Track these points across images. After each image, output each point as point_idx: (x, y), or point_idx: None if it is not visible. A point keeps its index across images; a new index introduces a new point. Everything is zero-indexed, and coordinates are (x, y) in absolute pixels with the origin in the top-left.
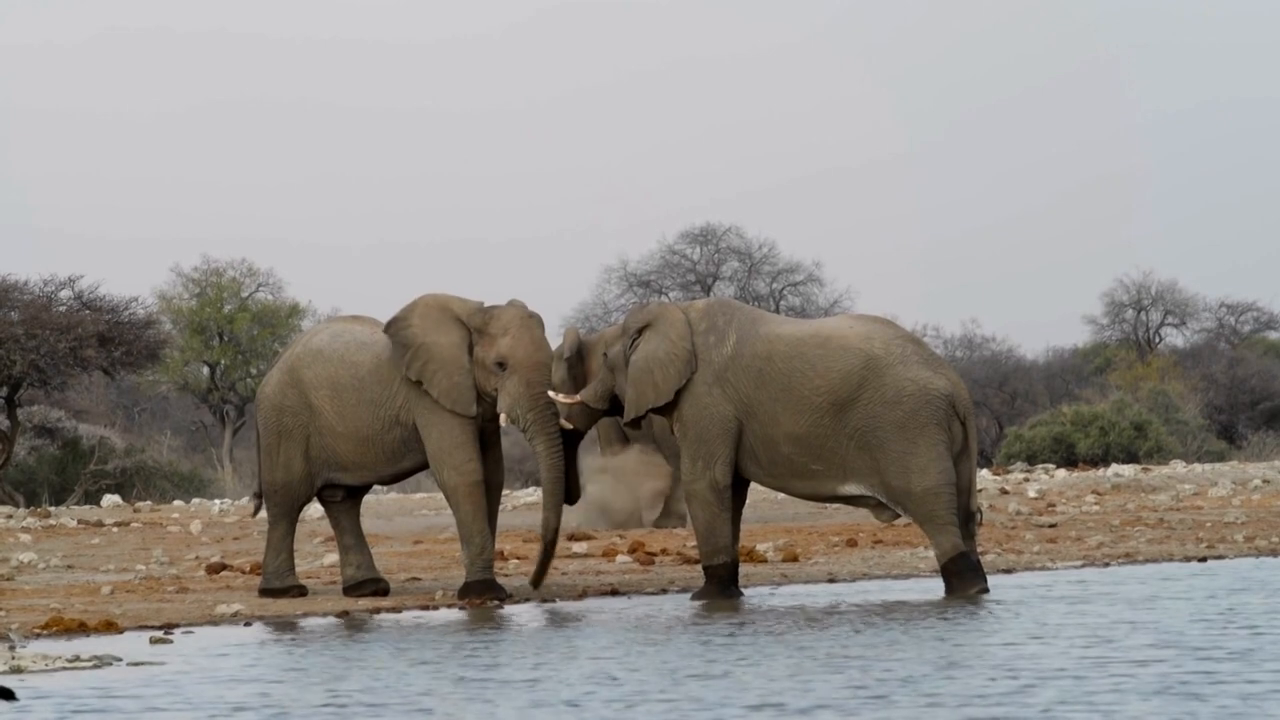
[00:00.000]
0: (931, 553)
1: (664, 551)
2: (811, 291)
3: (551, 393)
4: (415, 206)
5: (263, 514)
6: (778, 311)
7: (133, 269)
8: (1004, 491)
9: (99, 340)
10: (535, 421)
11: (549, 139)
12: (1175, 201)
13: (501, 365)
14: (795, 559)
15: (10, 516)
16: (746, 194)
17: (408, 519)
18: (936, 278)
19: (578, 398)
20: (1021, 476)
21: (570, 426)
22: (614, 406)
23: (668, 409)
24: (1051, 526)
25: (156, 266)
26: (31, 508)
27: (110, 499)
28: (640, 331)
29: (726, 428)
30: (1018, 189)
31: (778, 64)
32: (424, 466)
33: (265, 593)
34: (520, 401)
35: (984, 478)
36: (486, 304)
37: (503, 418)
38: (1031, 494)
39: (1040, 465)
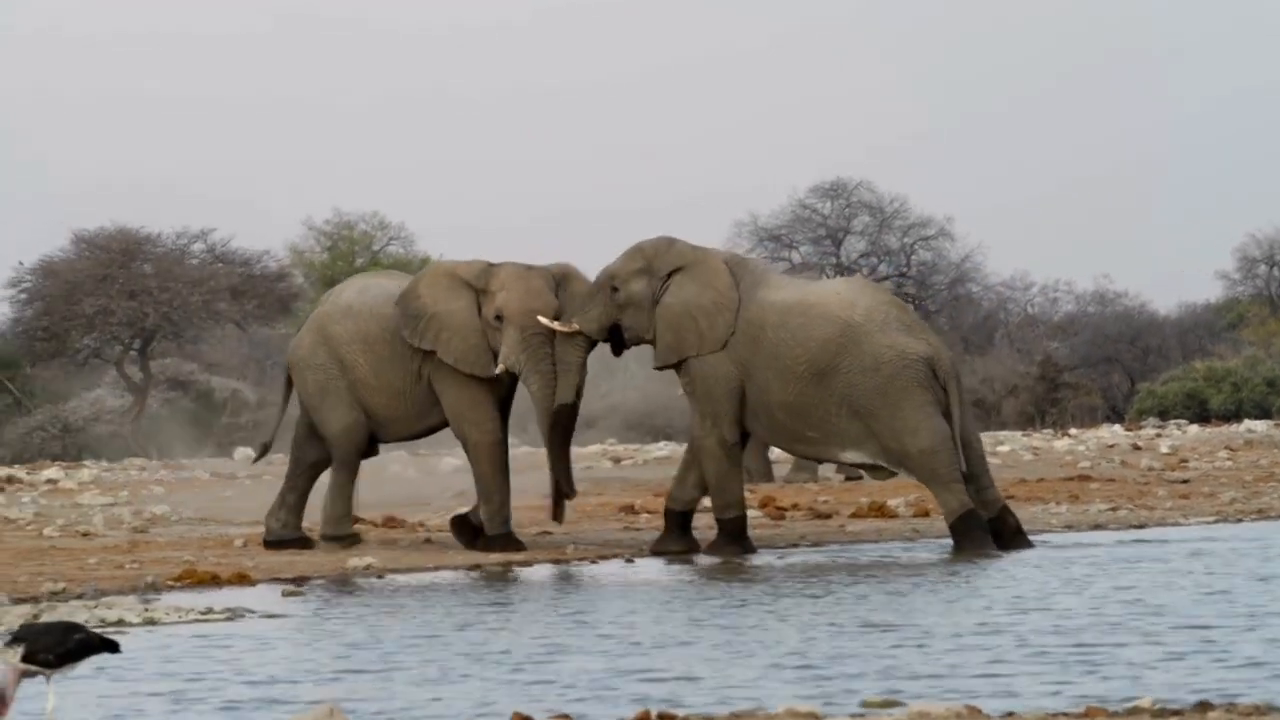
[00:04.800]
0: (1063, 509)
1: (795, 506)
2: (943, 246)
3: (544, 319)
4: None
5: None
6: (908, 266)
7: (266, 229)
8: (1136, 447)
9: (231, 293)
10: (528, 361)
11: (656, 111)
12: None
13: (500, 319)
14: (927, 514)
15: (143, 469)
16: (875, 149)
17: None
18: (1067, 233)
19: (575, 325)
20: (1154, 432)
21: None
22: (612, 340)
23: (677, 363)
24: (1184, 482)
25: (290, 222)
26: (164, 460)
27: (242, 451)
28: (670, 275)
29: (730, 387)
30: (1149, 141)
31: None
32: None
33: (326, 539)
34: (515, 347)
35: (1116, 433)
36: (491, 264)
37: (500, 368)
38: (1164, 450)
39: (1173, 421)
